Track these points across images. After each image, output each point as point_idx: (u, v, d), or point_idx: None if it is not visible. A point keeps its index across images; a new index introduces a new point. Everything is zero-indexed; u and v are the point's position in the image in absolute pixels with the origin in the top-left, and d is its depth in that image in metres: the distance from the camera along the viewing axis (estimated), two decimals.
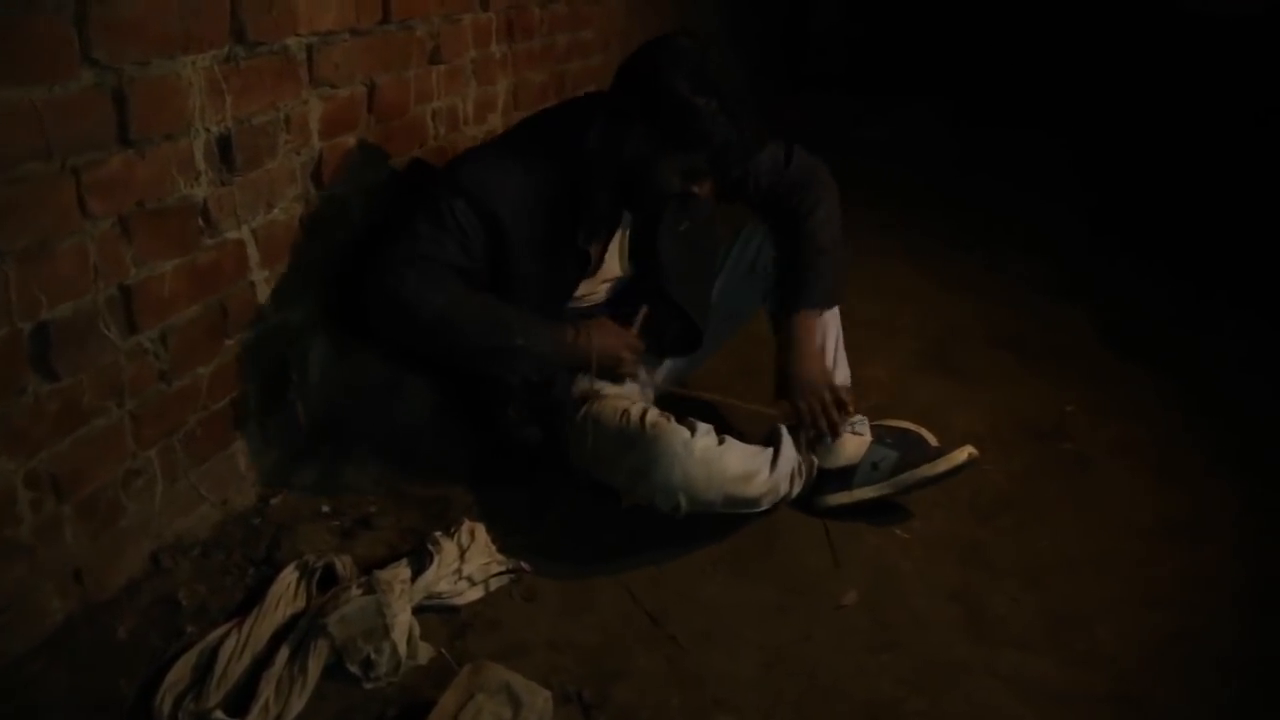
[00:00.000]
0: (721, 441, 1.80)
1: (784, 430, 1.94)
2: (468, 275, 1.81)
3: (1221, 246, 3.72)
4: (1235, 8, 4.41)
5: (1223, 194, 4.05)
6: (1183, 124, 4.55)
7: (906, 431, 2.08)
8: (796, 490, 1.95)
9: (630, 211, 1.98)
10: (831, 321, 2.07)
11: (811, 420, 1.97)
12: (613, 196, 1.90)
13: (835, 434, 1.97)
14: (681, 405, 2.01)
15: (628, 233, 2.04)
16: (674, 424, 1.80)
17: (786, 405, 2.00)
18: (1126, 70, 5.08)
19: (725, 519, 1.88)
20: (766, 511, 1.91)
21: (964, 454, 1.94)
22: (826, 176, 2.09)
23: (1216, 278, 3.46)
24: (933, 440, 2.06)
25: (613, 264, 2.05)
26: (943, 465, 1.94)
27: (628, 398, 1.96)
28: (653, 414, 1.84)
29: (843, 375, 2.09)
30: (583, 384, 1.96)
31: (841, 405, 1.97)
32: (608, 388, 1.97)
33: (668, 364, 2.21)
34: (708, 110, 1.69)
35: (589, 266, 1.99)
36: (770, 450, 1.88)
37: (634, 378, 2.04)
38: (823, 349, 2.02)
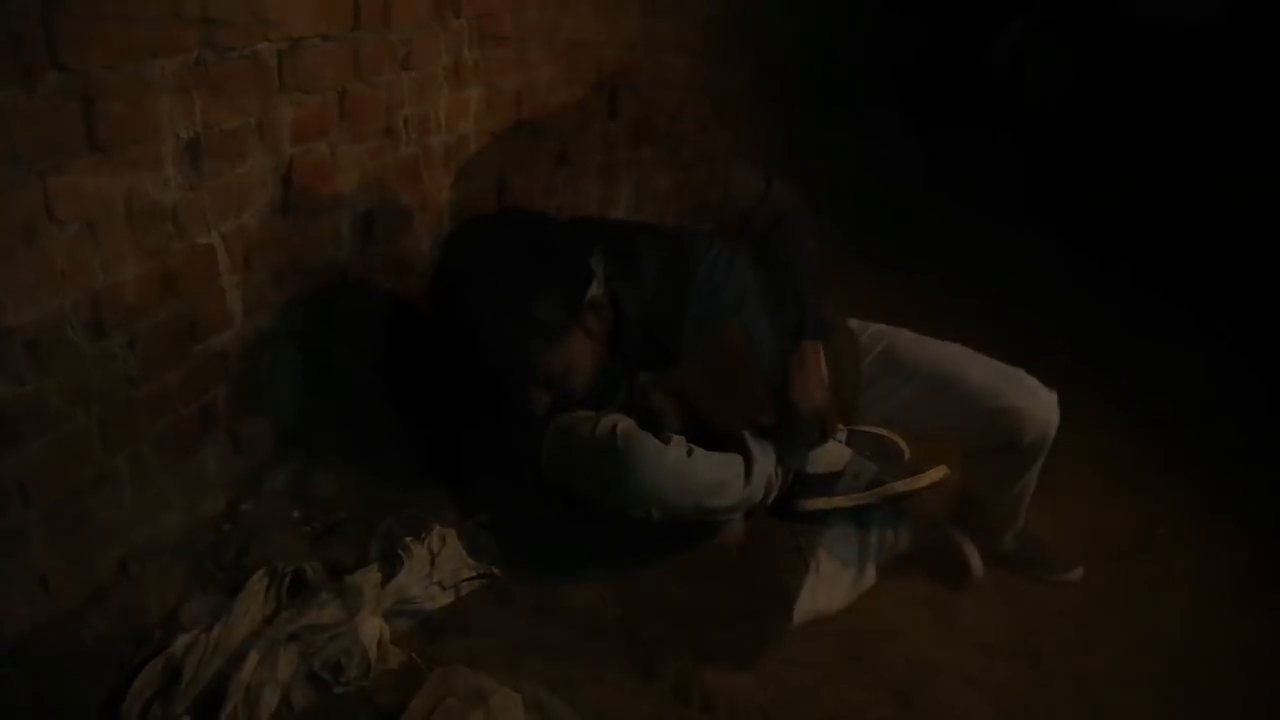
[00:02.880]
0: (690, 453, 1.82)
1: (755, 439, 1.95)
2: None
3: (1185, 256, 3.77)
4: (1190, 18, 4.50)
5: (1187, 204, 4.11)
6: (1143, 133, 4.62)
7: (882, 439, 2.11)
8: (771, 497, 1.97)
9: None
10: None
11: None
12: None
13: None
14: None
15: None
16: (646, 434, 1.80)
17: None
18: (1087, 81, 5.14)
19: (697, 525, 1.89)
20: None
21: (939, 473, 1.98)
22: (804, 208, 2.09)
23: (1177, 287, 3.51)
24: (904, 446, 2.09)
25: None
26: (923, 480, 1.98)
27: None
28: (624, 424, 1.84)
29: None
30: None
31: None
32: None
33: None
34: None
35: None
36: (740, 459, 1.90)
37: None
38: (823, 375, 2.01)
